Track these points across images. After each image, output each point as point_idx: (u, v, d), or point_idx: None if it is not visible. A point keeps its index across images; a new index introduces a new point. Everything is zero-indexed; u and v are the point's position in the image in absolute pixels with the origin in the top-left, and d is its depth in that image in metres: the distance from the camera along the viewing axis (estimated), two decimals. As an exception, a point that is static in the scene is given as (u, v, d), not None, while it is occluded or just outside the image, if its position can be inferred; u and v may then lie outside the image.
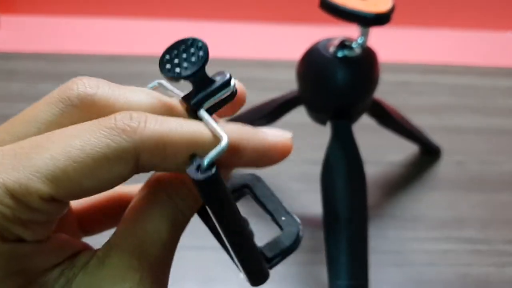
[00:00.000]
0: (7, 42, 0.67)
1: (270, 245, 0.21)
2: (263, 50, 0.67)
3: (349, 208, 0.36)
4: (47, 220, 0.16)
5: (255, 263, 0.20)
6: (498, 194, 0.48)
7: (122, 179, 0.17)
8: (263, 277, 0.20)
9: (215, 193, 0.17)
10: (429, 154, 0.51)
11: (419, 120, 0.56)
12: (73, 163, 0.15)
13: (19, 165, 0.15)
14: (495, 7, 0.71)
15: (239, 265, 0.20)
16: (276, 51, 0.66)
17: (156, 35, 0.69)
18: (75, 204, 0.22)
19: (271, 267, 0.20)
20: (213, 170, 0.16)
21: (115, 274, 0.16)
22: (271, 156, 0.20)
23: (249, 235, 0.20)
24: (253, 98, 0.58)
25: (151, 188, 0.19)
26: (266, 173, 0.53)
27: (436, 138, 0.53)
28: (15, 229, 0.15)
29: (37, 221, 0.16)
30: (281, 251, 0.21)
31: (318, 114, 0.39)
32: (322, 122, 0.40)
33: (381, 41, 0.70)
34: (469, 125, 0.56)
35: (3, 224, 0.15)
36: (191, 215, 0.20)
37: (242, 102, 0.21)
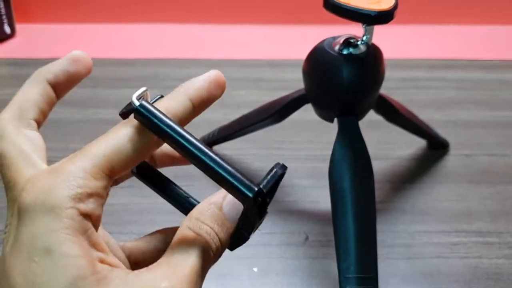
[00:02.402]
0: (22, 49, 0.69)
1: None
2: (270, 51, 0.68)
3: (356, 201, 0.37)
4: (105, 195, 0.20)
5: (239, 180, 0.21)
6: (507, 186, 0.48)
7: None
8: (251, 187, 0.21)
9: (154, 118, 0.21)
10: (437, 148, 0.52)
11: (426, 115, 0.56)
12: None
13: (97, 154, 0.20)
14: (499, 1, 0.71)
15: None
16: (284, 52, 0.67)
17: (167, 39, 0.71)
18: None
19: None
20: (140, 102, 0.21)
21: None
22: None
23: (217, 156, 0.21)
24: (262, 98, 0.60)
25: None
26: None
27: (443, 132, 0.53)
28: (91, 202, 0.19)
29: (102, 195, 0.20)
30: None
31: (325, 111, 0.40)
32: (329, 119, 0.41)
33: (387, 38, 0.71)
34: (477, 119, 0.56)
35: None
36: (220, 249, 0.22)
37: (220, 88, 0.26)
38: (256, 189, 0.20)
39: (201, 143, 0.21)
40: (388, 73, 0.62)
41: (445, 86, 0.60)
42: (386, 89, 0.60)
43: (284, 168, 0.23)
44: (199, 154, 0.21)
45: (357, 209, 0.36)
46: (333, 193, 0.37)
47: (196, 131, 0.52)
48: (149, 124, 0.21)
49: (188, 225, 0.22)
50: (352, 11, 0.34)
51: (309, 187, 0.48)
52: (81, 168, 0.19)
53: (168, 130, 0.21)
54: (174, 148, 0.21)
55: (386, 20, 0.34)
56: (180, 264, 0.20)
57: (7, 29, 0.70)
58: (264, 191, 0.21)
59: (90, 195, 0.19)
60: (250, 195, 0.20)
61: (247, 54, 0.67)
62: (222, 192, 0.23)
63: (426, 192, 0.48)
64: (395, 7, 0.35)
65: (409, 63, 0.64)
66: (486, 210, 0.46)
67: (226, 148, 0.51)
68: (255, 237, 0.43)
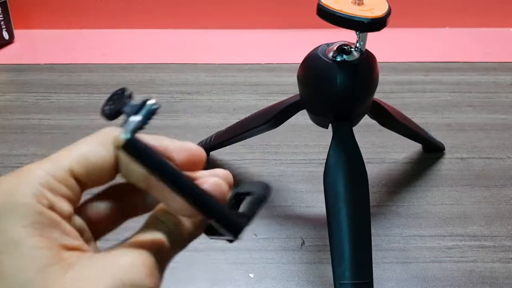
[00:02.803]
0: (21, 55, 0.70)
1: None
2: (267, 55, 0.68)
3: (351, 207, 0.37)
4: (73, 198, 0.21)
5: (220, 214, 0.21)
6: (502, 189, 0.48)
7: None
8: (236, 227, 0.21)
9: (140, 153, 0.20)
10: (432, 151, 0.52)
11: (422, 118, 0.57)
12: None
13: (61, 160, 0.21)
14: (495, 4, 0.71)
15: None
16: (280, 56, 0.67)
17: (164, 44, 0.71)
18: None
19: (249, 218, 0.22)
20: (128, 135, 0.20)
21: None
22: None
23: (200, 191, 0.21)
24: (259, 102, 0.60)
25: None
26: (272, 174, 0.54)
27: (439, 135, 0.53)
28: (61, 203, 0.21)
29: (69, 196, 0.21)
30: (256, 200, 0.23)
31: (320, 118, 0.40)
32: (324, 125, 0.41)
33: (383, 41, 0.71)
34: (472, 122, 0.56)
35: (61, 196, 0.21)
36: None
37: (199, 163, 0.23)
38: (240, 231, 0.21)
39: (188, 181, 0.21)
40: (384, 77, 0.63)
41: (441, 89, 0.61)
42: (382, 93, 0.60)
43: (267, 189, 0.23)
44: (188, 193, 0.20)
45: (351, 214, 0.36)
46: (328, 198, 0.38)
47: (194, 135, 0.53)
48: (136, 159, 0.20)
49: (155, 211, 0.23)
50: (345, 19, 0.35)
51: (305, 192, 0.48)
52: (43, 169, 0.21)
53: (156, 168, 0.20)
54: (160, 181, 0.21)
55: (379, 27, 0.35)
56: (140, 247, 0.21)
57: (5, 35, 0.71)
58: (247, 226, 0.21)
59: (54, 192, 0.20)
60: (235, 237, 0.21)
61: (243, 58, 0.67)
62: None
63: (421, 195, 0.48)
64: (388, 14, 0.35)
65: (405, 67, 0.64)
66: (481, 213, 0.46)
67: (223, 153, 0.51)
68: (251, 242, 0.44)
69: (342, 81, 0.37)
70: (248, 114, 0.58)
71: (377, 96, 0.61)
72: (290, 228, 0.45)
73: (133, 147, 0.20)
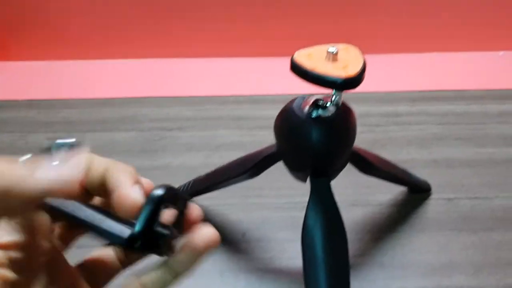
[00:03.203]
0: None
1: None
2: (251, 86, 0.66)
3: (330, 270, 0.35)
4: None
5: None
6: (490, 233, 0.47)
7: None
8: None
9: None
10: (418, 192, 0.51)
11: (408, 155, 0.55)
12: None
13: None
14: (483, 27, 0.69)
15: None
16: (265, 87, 0.66)
17: (145, 75, 0.69)
18: None
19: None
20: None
21: None
22: None
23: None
24: (242, 138, 0.58)
25: None
26: (253, 220, 0.52)
27: (425, 173, 0.52)
28: None
29: None
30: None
31: (297, 172, 0.39)
32: (302, 179, 0.39)
33: (369, 69, 0.69)
34: (460, 157, 0.55)
35: None
36: None
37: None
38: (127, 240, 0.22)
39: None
40: (370, 108, 0.62)
41: (427, 121, 0.59)
42: (367, 126, 0.59)
43: (164, 189, 0.23)
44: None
45: (330, 281, 0.35)
46: (305, 261, 0.36)
47: (174, 178, 0.52)
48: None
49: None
50: (318, 78, 0.33)
51: (287, 241, 0.47)
52: None
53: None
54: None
55: (353, 86, 0.33)
56: None
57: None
58: (137, 235, 0.22)
59: None
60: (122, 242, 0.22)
61: (227, 89, 0.65)
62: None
63: (406, 242, 0.46)
64: (362, 71, 0.34)
65: (391, 97, 0.62)
66: (468, 261, 0.45)
67: (203, 198, 0.50)
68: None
69: (318, 137, 0.36)
70: (231, 152, 0.56)
71: (363, 129, 0.59)
72: (270, 283, 0.43)
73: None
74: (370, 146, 0.56)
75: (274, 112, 0.39)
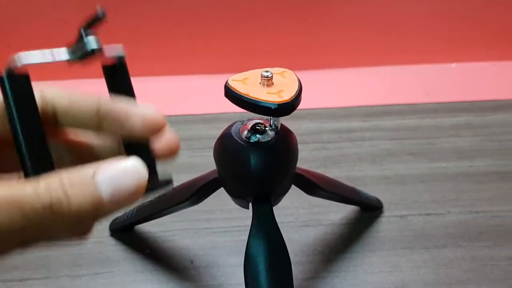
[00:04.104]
0: None
1: None
2: (203, 104, 0.65)
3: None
4: None
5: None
6: (443, 250, 0.46)
7: None
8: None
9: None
10: (370, 210, 0.50)
11: (361, 171, 0.55)
12: None
13: None
14: (435, 39, 0.70)
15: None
16: (217, 105, 0.64)
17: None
18: None
19: None
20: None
21: None
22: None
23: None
24: (192, 160, 0.57)
25: None
26: (202, 246, 0.50)
27: (378, 190, 0.51)
28: None
29: None
30: None
31: (238, 200, 0.38)
32: (244, 206, 0.38)
33: (321, 84, 0.69)
34: (412, 173, 0.54)
35: None
36: None
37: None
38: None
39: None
40: (322, 125, 0.61)
41: (380, 137, 0.59)
42: (319, 143, 0.58)
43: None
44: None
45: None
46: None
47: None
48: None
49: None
50: (251, 104, 0.32)
51: (237, 266, 0.45)
52: None
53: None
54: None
55: (287, 112, 0.32)
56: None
57: None
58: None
59: None
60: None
61: (176, 109, 0.64)
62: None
63: (358, 262, 0.46)
64: (297, 97, 0.32)
65: (343, 112, 0.62)
66: (420, 280, 0.44)
67: (149, 224, 0.48)
68: None
69: (257, 163, 0.35)
70: (180, 175, 0.54)
71: (315, 146, 0.59)
72: (218, 313, 0.42)
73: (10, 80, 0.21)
74: (322, 163, 0.56)
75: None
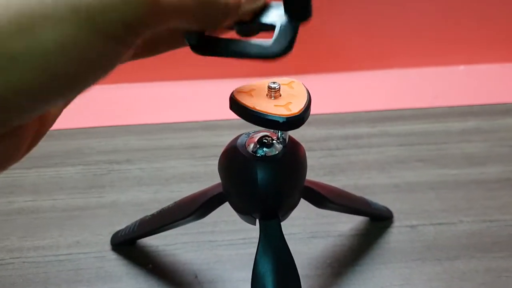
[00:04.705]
0: None
1: None
2: (205, 111, 0.63)
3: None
4: None
5: None
6: (455, 262, 0.45)
7: None
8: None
9: None
10: (379, 220, 0.48)
11: (369, 179, 0.53)
12: None
13: None
14: (442, 41, 0.68)
15: None
16: (219, 111, 0.63)
17: (92, 103, 0.65)
18: None
19: None
20: None
21: None
22: None
23: None
24: (195, 169, 0.55)
25: None
26: (206, 261, 0.48)
27: (386, 199, 0.50)
28: None
29: None
30: None
31: (244, 216, 0.36)
32: (251, 222, 0.37)
33: (329, 89, 0.67)
34: (422, 180, 0.53)
35: None
36: None
37: None
38: None
39: None
40: (330, 131, 0.60)
41: (388, 143, 0.57)
42: (327, 150, 0.57)
43: None
44: None
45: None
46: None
47: (121, 216, 0.48)
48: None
49: None
50: (259, 117, 0.30)
51: (243, 281, 0.44)
52: None
53: None
54: None
55: (296, 125, 0.31)
56: None
57: None
58: None
59: None
60: None
61: (178, 116, 0.62)
62: None
63: (368, 276, 0.44)
64: (306, 109, 0.31)
65: (350, 118, 0.60)
66: (433, 294, 0.43)
67: (150, 238, 0.46)
68: None
69: (264, 178, 0.33)
70: (182, 184, 0.53)
71: (322, 153, 0.57)
72: (223, 331, 0.40)
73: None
74: (329, 171, 0.54)
75: (229, 138, 0.36)
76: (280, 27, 0.25)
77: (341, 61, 0.68)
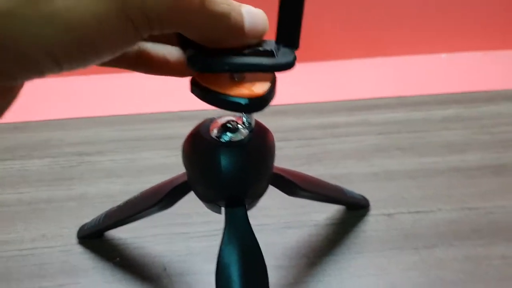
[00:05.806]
0: None
1: None
2: (179, 101, 0.62)
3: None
4: None
5: None
6: (433, 250, 0.44)
7: None
8: None
9: None
10: (356, 209, 0.47)
11: (345, 168, 0.52)
12: None
13: None
14: (424, 29, 0.67)
15: None
16: (195, 101, 0.61)
17: (62, 95, 0.64)
18: None
19: None
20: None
21: None
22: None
23: None
24: (168, 160, 0.53)
25: None
26: (177, 253, 0.46)
27: (364, 187, 0.49)
28: None
29: None
30: None
31: (209, 204, 0.35)
32: (216, 210, 0.35)
33: (300, 78, 0.66)
34: (401, 168, 0.51)
35: None
36: None
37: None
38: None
39: None
40: (307, 120, 0.58)
41: (367, 132, 0.56)
42: (303, 140, 0.55)
43: None
44: None
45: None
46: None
47: (89, 209, 0.46)
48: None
49: None
50: (220, 99, 0.29)
51: (213, 274, 0.42)
52: None
53: None
54: None
55: (259, 107, 0.29)
56: None
57: None
58: None
59: None
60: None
61: (152, 106, 0.60)
62: None
63: (344, 265, 0.43)
64: (270, 91, 0.29)
65: (328, 107, 0.59)
66: (410, 283, 0.41)
67: (120, 230, 0.45)
68: None
69: (228, 165, 0.32)
70: (154, 176, 0.51)
71: (299, 143, 0.56)
72: (192, 325, 0.39)
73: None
74: (306, 161, 0.53)
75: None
76: (278, 49, 0.28)
77: (320, 50, 0.67)
